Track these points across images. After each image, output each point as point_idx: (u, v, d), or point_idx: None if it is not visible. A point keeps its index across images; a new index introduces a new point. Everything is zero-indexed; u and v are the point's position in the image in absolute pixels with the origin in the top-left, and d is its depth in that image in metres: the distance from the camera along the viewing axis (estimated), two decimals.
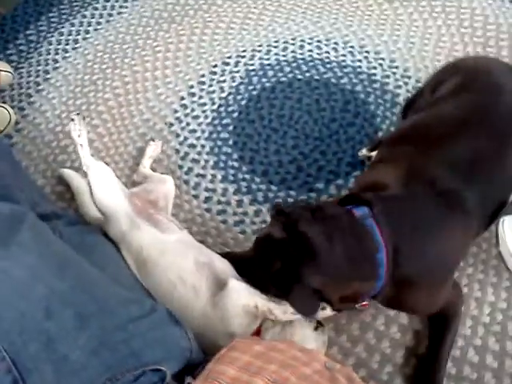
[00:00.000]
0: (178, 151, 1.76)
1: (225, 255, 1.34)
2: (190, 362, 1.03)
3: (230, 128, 1.81)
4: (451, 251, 1.22)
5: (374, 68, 1.95)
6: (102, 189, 1.39)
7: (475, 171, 1.22)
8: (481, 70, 1.41)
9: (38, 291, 0.94)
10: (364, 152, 1.68)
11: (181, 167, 1.72)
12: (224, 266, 1.28)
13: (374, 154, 1.64)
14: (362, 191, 1.24)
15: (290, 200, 1.62)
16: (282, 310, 1.18)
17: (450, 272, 1.24)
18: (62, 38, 2.13)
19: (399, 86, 1.89)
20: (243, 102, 1.88)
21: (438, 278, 1.21)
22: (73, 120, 1.45)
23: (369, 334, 1.36)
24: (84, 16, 2.21)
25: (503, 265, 1.45)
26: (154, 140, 1.74)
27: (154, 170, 1.68)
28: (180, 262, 1.27)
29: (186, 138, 1.79)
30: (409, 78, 1.91)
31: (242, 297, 1.17)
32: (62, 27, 2.17)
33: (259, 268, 1.17)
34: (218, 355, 0.96)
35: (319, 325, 1.23)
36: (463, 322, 1.35)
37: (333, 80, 1.91)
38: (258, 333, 1.21)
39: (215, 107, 1.87)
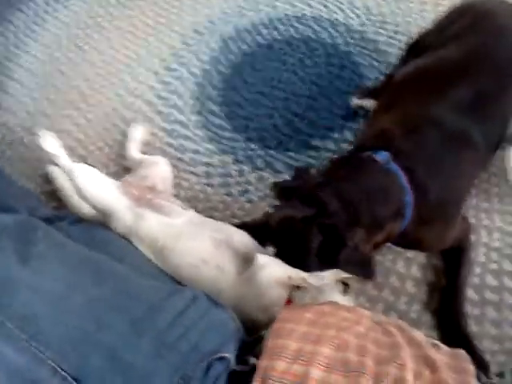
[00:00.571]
0: (165, 129, 1.68)
1: (240, 226, 1.30)
2: (242, 341, 0.98)
3: (218, 99, 1.74)
4: (464, 185, 1.26)
5: (351, 18, 1.91)
6: (92, 190, 1.29)
7: (479, 110, 1.24)
8: (488, 12, 1.40)
9: (79, 301, 0.89)
10: (355, 101, 1.65)
11: (171, 145, 1.64)
12: (243, 239, 1.22)
13: (366, 102, 1.62)
14: (370, 140, 1.23)
15: (290, 162, 1.57)
16: (316, 278, 1.14)
17: (462, 205, 1.27)
18: (18, 28, 2.00)
19: (379, 33, 1.85)
20: (226, 71, 1.80)
21: (453, 212, 1.23)
22: (39, 135, 1.40)
23: (392, 278, 1.35)
24: (37, 4, 2.09)
25: (504, 191, 1.48)
26: (137, 123, 1.65)
27: (145, 153, 1.60)
28: (197, 244, 1.21)
29: (170, 115, 1.71)
30: (386, 23, 1.88)
31: (274, 270, 1.12)
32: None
33: (296, 249, 1.12)
34: (272, 330, 0.93)
35: (346, 286, 1.19)
36: (477, 250, 1.37)
37: (312, 36, 1.86)
38: (288, 302, 1.16)
39: (198, 79, 1.79)
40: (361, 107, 1.63)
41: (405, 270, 1.36)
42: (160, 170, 1.45)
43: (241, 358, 0.95)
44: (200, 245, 1.20)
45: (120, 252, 1.19)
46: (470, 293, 1.29)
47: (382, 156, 1.14)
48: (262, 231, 1.36)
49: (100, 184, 1.31)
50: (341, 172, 1.15)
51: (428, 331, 1.24)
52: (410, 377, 0.81)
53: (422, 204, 1.14)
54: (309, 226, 1.07)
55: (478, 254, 1.37)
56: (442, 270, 1.35)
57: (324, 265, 1.09)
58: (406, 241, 1.22)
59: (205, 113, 1.70)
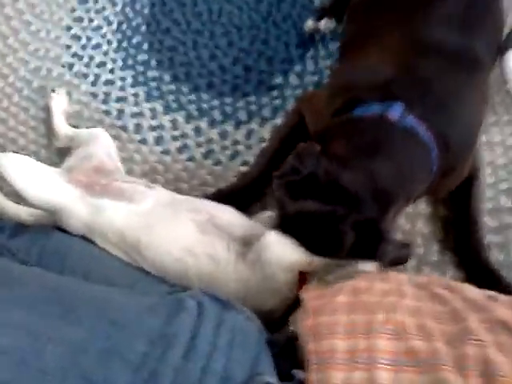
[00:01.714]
0: (94, 94, 1.39)
1: (217, 197, 1.10)
2: (270, 344, 0.82)
3: (144, 47, 1.46)
4: (482, 111, 1.09)
5: None
6: (29, 186, 1.02)
7: (474, 21, 1.06)
8: None
9: (52, 359, 0.66)
10: (310, 24, 1.43)
11: (108, 112, 1.37)
12: (230, 215, 1.03)
13: (322, 23, 1.41)
14: (364, 90, 1.01)
15: (252, 108, 1.35)
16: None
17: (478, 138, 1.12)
18: None
19: None
20: (146, 11, 1.51)
21: (471, 151, 1.09)
22: None
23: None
24: None
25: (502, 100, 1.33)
26: (54, 90, 1.36)
27: (76, 127, 1.32)
28: (176, 231, 0.99)
29: (97, 76, 1.42)
30: None
31: (289, 251, 0.95)
32: None
33: (322, 246, 0.92)
34: (307, 329, 0.77)
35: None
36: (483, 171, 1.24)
37: None
38: (303, 277, 1.01)
39: (114, 27, 1.48)
40: (317, 30, 1.42)
41: (412, 208, 1.22)
42: (102, 145, 1.17)
43: (279, 368, 0.80)
44: (180, 232, 0.99)
45: (83, 263, 0.98)
46: (489, 220, 1.19)
47: (396, 110, 0.94)
48: (244, 197, 1.19)
49: (37, 175, 1.05)
50: (354, 145, 0.94)
51: (455, 272, 1.14)
52: (493, 353, 0.69)
53: (446, 158, 0.97)
54: (340, 224, 0.88)
55: (486, 176, 1.24)
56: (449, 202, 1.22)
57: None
58: (430, 191, 1.07)
59: (137, 66, 1.42)
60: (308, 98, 1.22)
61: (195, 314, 0.79)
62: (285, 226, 0.92)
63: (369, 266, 0.96)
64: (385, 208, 0.89)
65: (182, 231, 1.00)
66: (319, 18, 1.41)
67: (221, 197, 1.15)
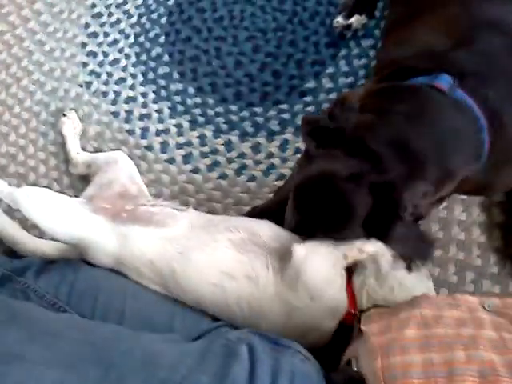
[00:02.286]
0: (115, 113, 1.31)
1: (253, 215, 1.03)
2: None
3: (165, 58, 1.36)
4: None
5: None
6: (53, 220, 0.96)
7: None
8: None
9: None
10: (340, 21, 1.32)
11: (131, 132, 1.28)
12: (270, 230, 0.94)
13: (353, 20, 1.30)
14: (415, 60, 0.92)
15: (286, 116, 1.25)
16: (372, 244, 0.88)
17: None
18: None
19: None
20: (163, 21, 1.42)
21: None
22: None
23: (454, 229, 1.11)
24: None
25: None
26: (64, 114, 1.27)
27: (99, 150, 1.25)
28: (213, 254, 0.91)
29: (117, 93, 1.33)
30: None
31: (321, 257, 0.85)
32: None
33: (334, 217, 0.84)
34: (374, 375, 0.68)
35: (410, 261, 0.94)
36: None
37: None
38: (351, 294, 0.91)
39: (131, 40, 1.39)
40: (347, 27, 1.32)
41: (466, 216, 1.12)
42: (122, 168, 1.10)
43: None
44: (216, 253, 0.91)
45: (116, 300, 0.91)
46: None
47: (444, 81, 0.85)
48: (281, 214, 1.10)
49: (58, 208, 0.98)
50: (394, 108, 0.85)
51: None
52: None
53: (500, 138, 0.87)
54: (357, 185, 0.80)
55: None
56: (490, 202, 1.12)
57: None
58: (474, 186, 0.96)
59: (159, 80, 1.33)
60: (345, 94, 1.10)
61: (248, 364, 0.72)
62: (303, 187, 0.86)
63: (372, 247, 0.86)
64: (412, 174, 0.80)
65: (220, 253, 0.92)
66: (349, 15, 1.31)
67: (256, 215, 1.07)
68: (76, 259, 0.99)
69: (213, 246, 0.92)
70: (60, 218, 0.97)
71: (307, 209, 0.86)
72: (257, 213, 1.09)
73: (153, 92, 1.32)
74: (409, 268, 0.89)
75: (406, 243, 0.83)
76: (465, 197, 1.12)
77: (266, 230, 0.94)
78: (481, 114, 0.85)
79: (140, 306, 0.92)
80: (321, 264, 0.85)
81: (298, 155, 1.20)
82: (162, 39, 1.39)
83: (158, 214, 0.99)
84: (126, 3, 1.44)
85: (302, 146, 1.22)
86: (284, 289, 0.87)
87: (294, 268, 0.85)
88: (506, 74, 0.88)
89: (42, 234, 1.07)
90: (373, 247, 0.87)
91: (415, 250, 0.85)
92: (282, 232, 0.94)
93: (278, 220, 1.09)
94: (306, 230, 0.87)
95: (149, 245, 0.94)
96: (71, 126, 1.25)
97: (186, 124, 1.28)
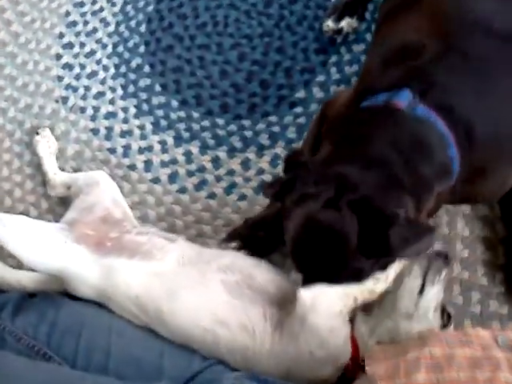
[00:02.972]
0: (95, 131, 1.23)
1: (250, 227, 1.01)
2: None
3: (146, 69, 1.28)
4: None
5: None
6: (31, 249, 0.90)
7: None
8: None
9: None
10: (330, 25, 1.25)
11: (112, 150, 1.20)
12: (267, 273, 0.88)
13: (344, 23, 1.24)
14: (379, 74, 0.89)
15: (275, 129, 1.19)
16: (377, 279, 0.82)
17: None
18: None
19: None
20: (142, 29, 1.34)
21: None
22: None
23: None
24: None
25: None
26: (37, 132, 1.18)
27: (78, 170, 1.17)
28: (205, 296, 0.85)
29: (96, 109, 1.25)
30: None
31: (330, 302, 0.79)
32: None
33: (330, 255, 0.78)
34: None
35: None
36: None
37: None
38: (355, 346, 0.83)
39: (109, 50, 1.31)
40: (338, 31, 1.25)
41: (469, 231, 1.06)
42: (104, 190, 1.02)
43: None
44: (210, 297, 0.85)
45: (100, 338, 0.85)
46: None
47: (404, 98, 0.82)
48: (276, 227, 1.05)
49: (36, 236, 0.92)
50: (351, 134, 0.84)
51: None
52: None
53: (472, 151, 0.83)
54: (338, 209, 0.75)
55: None
56: (493, 218, 1.07)
57: (373, 260, 0.78)
58: (459, 197, 0.92)
59: (140, 93, 1.26)
60: (332, 99, 1.06)
61: None
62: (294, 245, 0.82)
63: (382, 285, 0.81)
64: (385, 184, 0.77)
65: (212, 296, 0.85)
66: (340, 18, 1.24)
67: (248, 229, 1.03)
68: (57, 293, 0.93)
69: (204, 287, 0.85)
70: (39, 248, 0.90)
71: (306, 265, 0.81)
72: (249, 226, 1.04)
73: (134, 106, 1.25)
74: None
75: (408, 245, 0.76)
76: (467, 211, 1.07)
77: (264, 271, 0.87)
78: (447, 129, 0.81)
79: (126, 344, 0.86)
80: (328, 313, 0.78)
81: None
82: (141, 49, 1.31)
83: (145, 244, 0.92)
84: (103, 10, 1.36)
85: None
86: (284, 342, 0.80)
87: (299, 318, 0.79)
88: (481, 81, 0.83)
89: (20, 264, 1.00)
90: (382, 285, 0.82)
91: (421, 245, 0.78)
92: (277, 274, 0.88)
93: (272, 232, 1.05)
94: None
95: (134, 279, 0.87)
96: (46, 145, 1.16)
97: (170, 140, 1.20)
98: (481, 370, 0.65)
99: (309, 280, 0.80)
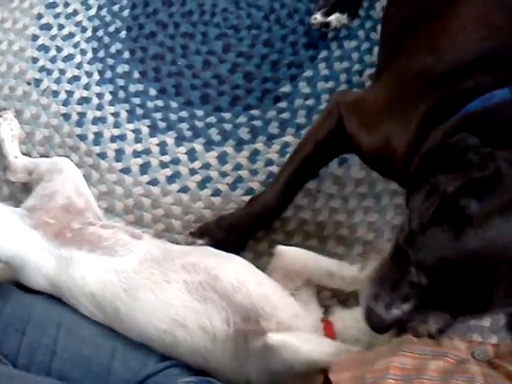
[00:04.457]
0: (66, 116, 1.15)
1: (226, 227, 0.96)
2: None
3: (125, 55, 1.22)
4: None
5: None
6: None
7: None
8: None
9: None
10: (318, 17, 1.19)
11: (83, 137, 1.13)
12: (237, 273, 0.81)
13: (332, 18, 1.18)
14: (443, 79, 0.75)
15: (257, 123, 1.12)
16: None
17: None
18: None
19: None
20: (125, 14, 1.27)
21: None
22: None
23: None
24: None
25: None
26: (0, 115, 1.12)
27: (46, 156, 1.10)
28: (164, 297, 0.79)
29: (69, 93, 1.18)
30: None
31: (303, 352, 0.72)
32: None
33: None
34: None
35: None
36: None
37: None
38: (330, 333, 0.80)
39: (89, 34, 1.24)
40: (326, 25, 1.19)
41: None
42: (68, 177, 0.96)
43: None
44: (169, 297, 0.79)
45: (48, 334, 0.80)
46: None
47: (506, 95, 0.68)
48: (253, 228, 1.00)
49: None
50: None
51: None
52: None
53: None
54: None
55: None
56: None
57: None
58: None
59: (117, 79, 1.19)
60: (351, 105, 0.92)
61: None
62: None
63: None
64: None
65: (172, 296, 0.79)
66: (329, 12, 1.18)
67: (222, 229, 0.97)
68: (7, 283, 0.86)
69: (164, 287, 0.79)
70: None
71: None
72: (222, 227, 0.97)
73: (110, 93, 1.18)
74: None
75: None
76: None
77: (231, 272, 0.80)
78: None
79: (75, 343, 0.80)
80: (295, 358, 0.71)
81: (270, 167, 1.08)
82: (122, 34, 1.24)
83: (109, 239, 0.86)
84: (73, 13, 1.28)
85: (274, 157, 1.09)
86: (244, 354, 0.76)
87: (262, 353, 0.73)
88: None
89: None
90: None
91: None
92: (249, 276, 0.81)
93: (246, 234, 0.97)
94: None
95: (92, 275, 0.82)
96: (7, 128, 1.10)
97: (145, 130, 1.13)
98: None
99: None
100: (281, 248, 0.88)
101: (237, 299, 0.77)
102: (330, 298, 0.94)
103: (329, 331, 0.81)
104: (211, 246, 0.91)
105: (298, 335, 0.74)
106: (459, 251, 0.59)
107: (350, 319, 0.83)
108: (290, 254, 0.87)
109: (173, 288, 0.78)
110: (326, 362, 0.70)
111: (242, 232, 0.99)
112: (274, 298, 0.79)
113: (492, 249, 0.58)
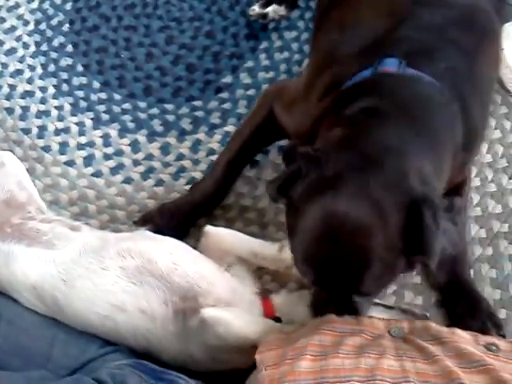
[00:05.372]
0: (9, 110, 1.16)
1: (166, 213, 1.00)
2: None
3: (68, 49, 1.23)
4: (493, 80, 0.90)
5: None
6: None
7: None
8: None
9: None
10: (256, 9, 1.22)
11: (26, 130, 1.14)
12: (167, 255, 0.83)
13: (270, 9, 1.21)
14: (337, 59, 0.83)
15: (199, 114, 1.14)
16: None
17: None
18: None
19: None
20: (68, 7, 1.27)
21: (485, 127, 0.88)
22: None
23: None
24: None
25: None
26: None
27: None
28: (101, 284, 0.81)
29: (13, 87, 1.19)
30: None
31: (235, 328, 0.76)
32: None
33: None
34: None
35: None
36: None
37: None
38: (269, 309, 0.85)
39: (31, 27, 1.25)
40: (263, 16, 1.21)
41: None
42: (9, 172, 0.96)
43: None
44: (106, 283, 0.81)
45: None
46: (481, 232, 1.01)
47: (389, 64, 0.76)
48: (193, 214, 1.03)
49: None
50: (353, 112, 0.74)
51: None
52: None
53: (465, 115, 0.77)
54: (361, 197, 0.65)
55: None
56: None
57: None
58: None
59: (60, 73, 1.20)
60: (278, 92, 0.98)
61: None
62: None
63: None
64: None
65: (109, 282, 0.81)
66: (266, 4, 1.21)
67: (164, 215, 1.00)
68: None
69: (100, 274, 0.81)
70: None
71: (325, 275, 0.68)
72: (164, 213, 1.01)
73: (53, 86, 1.19)
74: None
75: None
76: None
77: (165, 254, 0.83)
78: (445, 90, 0.75)
79: (16, 332, 0.81)
80: (228, 332, 0.75)
81: (211, 157, 1.10)
82: (65, 27, 1.25)
83: (47, 233, 0.87)
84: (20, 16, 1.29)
85: (215, 146, 1.12)
86: (183, 333, 0.78)
87: (197, 329, 0.76)
88: (453, 44, 0.79)
89: None
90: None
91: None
92: (184, 256, 0.84)
93: (187, 221, 1.01)
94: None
95: (32, 268, 0.83)
96: None
97: (88, 122, 1.15)
98: (365, 358, 0.62)
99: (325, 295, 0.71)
100: (208, 228, 0.91)
101: (173, 279, 0.79)
102: (271, 281, 0.98)
103: (268, 310, 0.85)
104: (155, 232, 0.94)
105: (233, 311, 0.77)
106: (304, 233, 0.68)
107: (289, 301, 0.87)
108: (216, 233, 0.91)
109: (110, 275, 0.80)
110: (256, 338, 0.74)
111: (183, 218, 1.01)
112: (210, 275, 0.82)
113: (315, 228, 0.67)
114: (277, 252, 0.88)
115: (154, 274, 0.80)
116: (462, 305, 0.93)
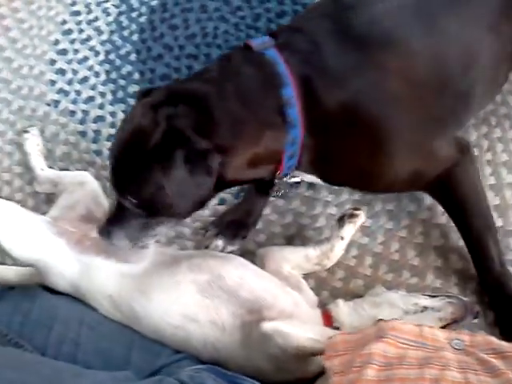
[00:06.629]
0: (83, 133, 1.27)
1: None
2: None
3: (135, 76, 1.33)
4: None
5: None
6: (11, 235, 0.92)
7: None
8: None
9: None
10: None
11: (98, 152, 1.24)
12: (238, 271, 0.91)
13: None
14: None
15: None
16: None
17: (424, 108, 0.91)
18: None
19: None
20: (135, 38, 1.39)
21: (389, 125, 0.88)
22: None
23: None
24: None
25: None
26: (26, 131, 1.23)
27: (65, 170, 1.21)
28: (175, 296, 0.89)
29: (85, 113, 1.30)
30: None
31: (293, 338, 0.80)
32: None
33: None
34: None
35: None
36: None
37: None
38: (328, 319, 0.90)
39: (102, 57, 1.36)
40: None
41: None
42: (88, 190, 1.07)
43: None
44: (180, 296, 0.88)
45: (71, 331, 0.88)
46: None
47: (259, 40, 0.90)
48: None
49: (21, 224, 0.94)
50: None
51: None
52: None
53: (325, 98, 0.84)
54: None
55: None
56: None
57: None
58: (322, 168, 0.93)
59: (128, 99, 1.30)
60: None
61: None
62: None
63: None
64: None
65: (182, 295, 0.89)
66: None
67: (223, 224, 1.10)
68: (35, 286, 0.96)
69: (174, 287, 0.89)
70: (22, 235, 0.94)
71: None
72: (223, 223, 1.11)
73: (122, 111, 1.29)
74: None
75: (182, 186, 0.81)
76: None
77: (232, 270, 0.90)
78: (288, 70, 0.83)
79: (97, 337, 0.89)
80: (287, 342, 0.80)
81: None
82: (132, 57, 1.36)
83: None
84: (97, 20, 1.41)
85: None
86: (249, 342, 0.84)
87: (261, 340, 0.82)
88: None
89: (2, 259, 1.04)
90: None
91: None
92: (248, 272, 0.92)
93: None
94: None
95: (109, 279, 0.91)
96: (34, 143, 1.21)
97: None
98: (429, 369, 0.66)
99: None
100: (260, 250, 1.02)
101: (241, 294, 0.86)
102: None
103: (327, 320, 0.90)
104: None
105: (291, 322, 0.83)
106: None
107: (345, 310, 0.91)
108: (269, 250, 1.00)
109: (182, 288, 0.88)
110: (315, 347, 0.78)
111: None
112: (274, 289, 0.89)
113: None
114: (328, 249, 0.97)
115: (222, 288, 0.87)
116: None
